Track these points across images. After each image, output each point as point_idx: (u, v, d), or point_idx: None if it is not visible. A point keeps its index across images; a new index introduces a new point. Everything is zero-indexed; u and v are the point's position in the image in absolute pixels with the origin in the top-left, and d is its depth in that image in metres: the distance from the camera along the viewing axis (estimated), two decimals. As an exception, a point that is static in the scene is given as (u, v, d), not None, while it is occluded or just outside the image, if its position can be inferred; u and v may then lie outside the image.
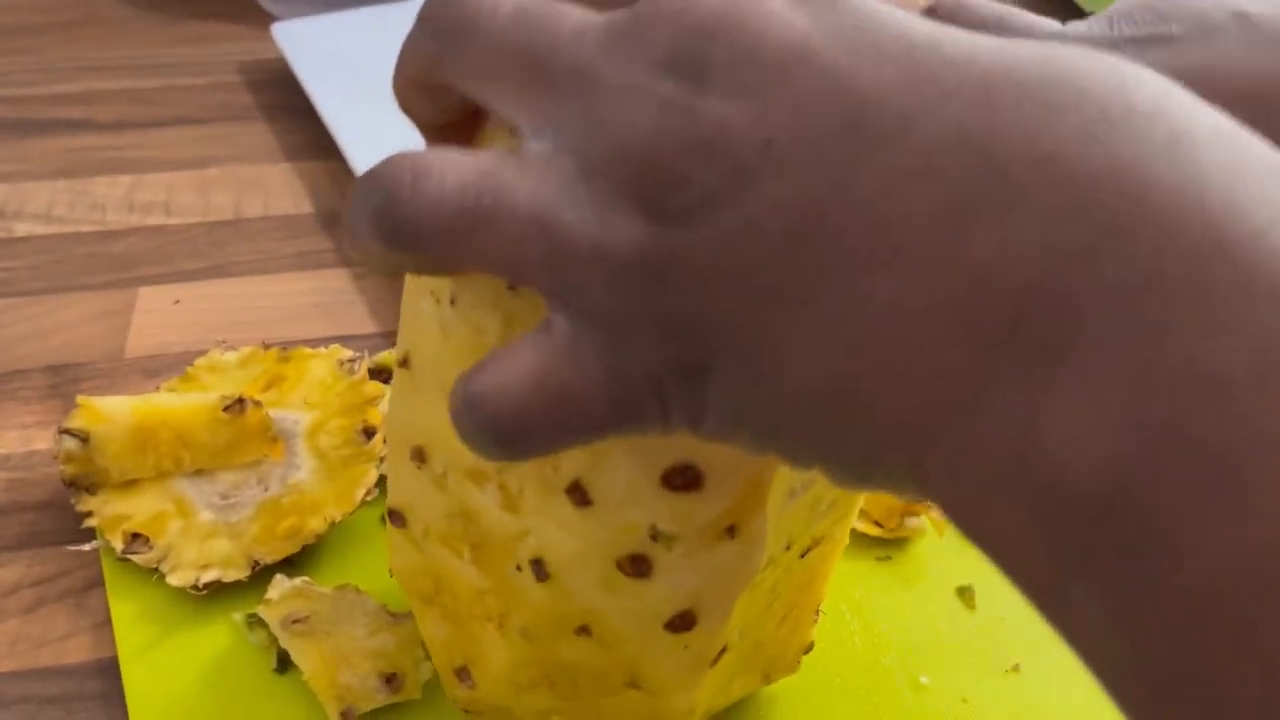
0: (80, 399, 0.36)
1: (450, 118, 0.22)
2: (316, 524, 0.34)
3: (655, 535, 0.23)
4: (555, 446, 0.20)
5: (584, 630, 0.25)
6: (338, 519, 0.35)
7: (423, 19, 0.21)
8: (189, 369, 0.40)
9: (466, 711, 0.29)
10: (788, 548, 0.26)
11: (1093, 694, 0.16)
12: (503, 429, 0.19)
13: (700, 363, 0.18)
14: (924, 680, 0.31)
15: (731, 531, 0.24)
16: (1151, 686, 0.15)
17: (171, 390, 0.39)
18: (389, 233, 0.19)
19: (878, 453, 0.18)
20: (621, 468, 0.22)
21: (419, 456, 0.25)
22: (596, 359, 0.19)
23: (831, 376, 0.17)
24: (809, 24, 0.18)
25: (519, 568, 0.24)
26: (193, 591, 0.33)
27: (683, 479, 0.22)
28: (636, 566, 0.23)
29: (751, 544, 0.24)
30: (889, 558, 0.35)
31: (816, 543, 0.27)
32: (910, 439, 0.17)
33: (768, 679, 0.29)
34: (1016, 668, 0.32)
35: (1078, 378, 0.15)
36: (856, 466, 0.18)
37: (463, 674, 0.27)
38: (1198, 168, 0.15)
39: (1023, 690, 0.32)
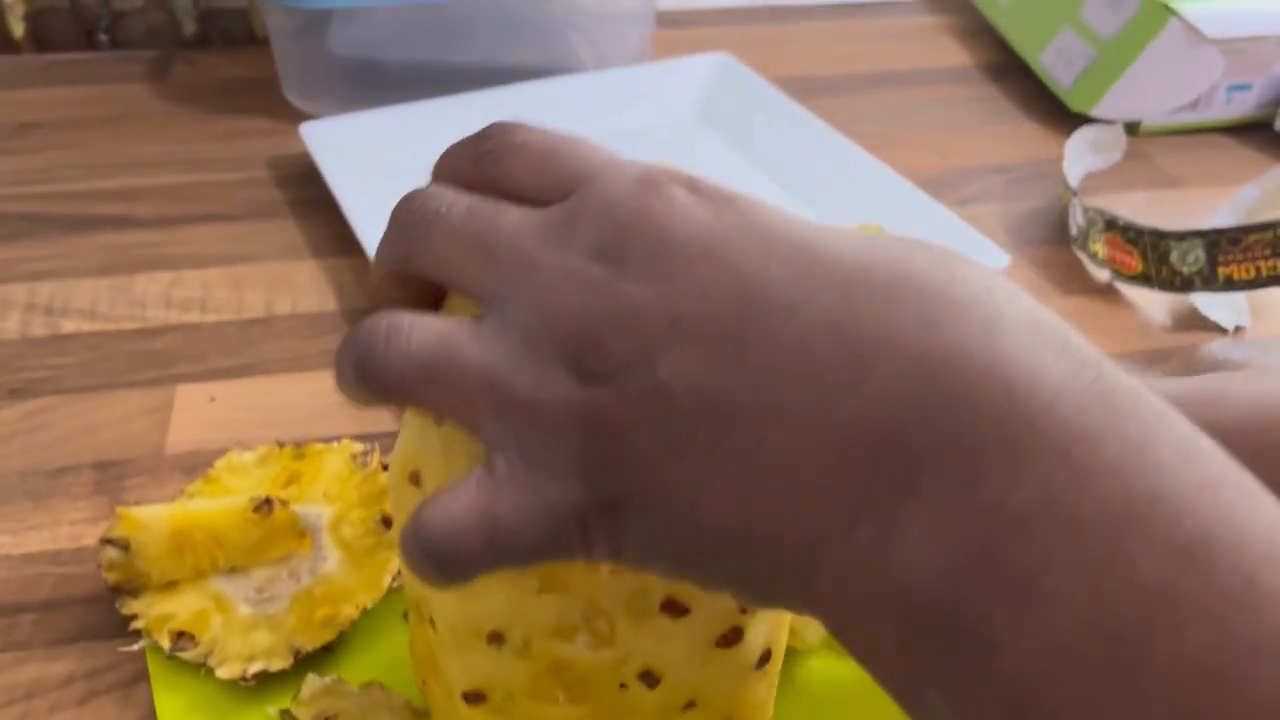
0: (120, 510, 0.38)
1: (418, 303, 0.26)
2: (350, 610, 0.37)
3: (744, 609, 0.27)
4: (489, 569, 0.22)
5: (690, 705, 0.28)
6: (369, 605, 0.37)
7: (393, 223, 0.25)
8: (210, 471, 0.42)
9: None
10: None
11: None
12: (444, 554, 0.22)
13: (619, 501, 0.22)
14: None
15: None
16: None
17: (197, 492, 0.42)
18: (365, 382, 0.23)
19: (777, 578, 0.21)
20: None
21: (496, 639, 0.26)
22: (530, 496, 0.22)
23: (735, 514, 0.21)
24: (711, 219, 0.22)
25: (623, 685, 0.27)
26: (242, 683, 0.35)
27: None
28: (732, 638, 0.27)
29: None
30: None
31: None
32: (801, 566, 0.21)
33: None
34: None
35: (917, 515, 0.19)
36: (760, 590, 0.22)
37: None
38: (1003, 352, 0.20)
39: None
